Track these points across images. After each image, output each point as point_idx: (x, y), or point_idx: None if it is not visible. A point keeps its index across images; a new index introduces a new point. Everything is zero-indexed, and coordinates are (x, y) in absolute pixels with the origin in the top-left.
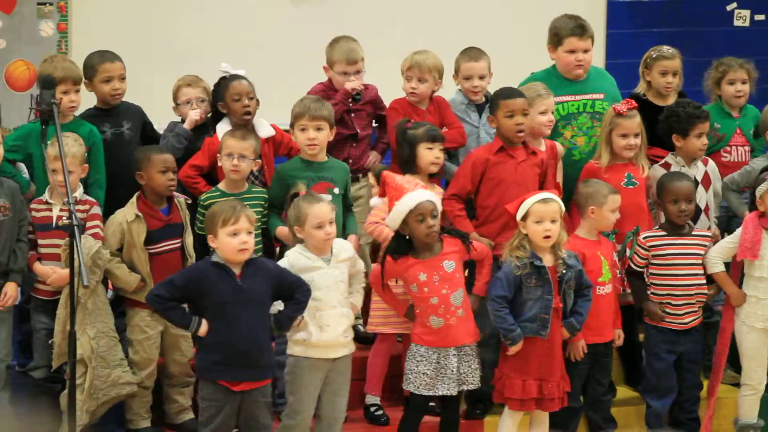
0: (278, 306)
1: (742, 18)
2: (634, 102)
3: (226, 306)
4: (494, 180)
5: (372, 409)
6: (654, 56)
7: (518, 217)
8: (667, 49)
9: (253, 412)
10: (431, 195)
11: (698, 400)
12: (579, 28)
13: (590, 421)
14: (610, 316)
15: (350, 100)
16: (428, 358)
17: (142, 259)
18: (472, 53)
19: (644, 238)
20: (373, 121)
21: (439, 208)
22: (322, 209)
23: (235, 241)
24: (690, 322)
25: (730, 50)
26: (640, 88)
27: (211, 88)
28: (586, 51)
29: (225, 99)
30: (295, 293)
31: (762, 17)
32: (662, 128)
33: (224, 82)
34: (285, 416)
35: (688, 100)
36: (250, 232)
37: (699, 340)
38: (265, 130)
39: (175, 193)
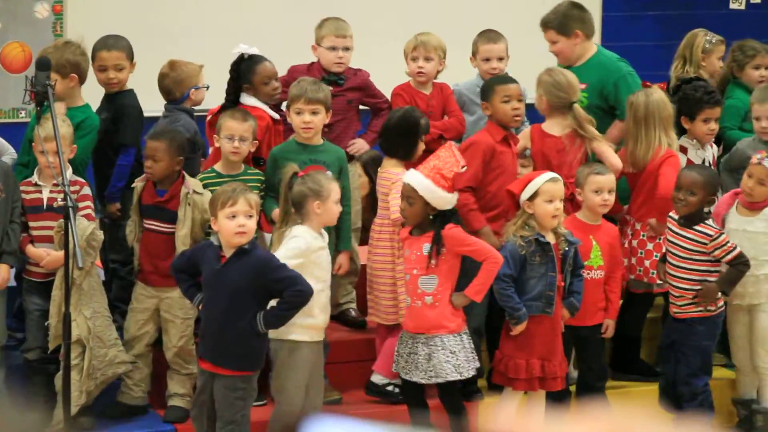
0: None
1: (738, 1)
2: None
3: (206, 287)
4: (497, 169)
5: (389, 387)
6: (713, 41)
7: (525, 197)
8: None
9: (217, 399)
10: (419, 183)
11: (692, 395)
12: (541, 22)
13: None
14: (595, 301)
15: (331, 84)
16: (405, 342)
17: (136, 222)
18: (490, 35)
19: (669, 217)
20: (359, 107)
21: (432, 200)
22: (338, 186)
23: (232, 224)
24: (677, 313)
25: (726, 33)
26: (691, 73)
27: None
28: (553, 42)
29: (253, 82)
30: (284, 292)
31: (758, 0)
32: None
33: (248, 64)
34: (282, 403)
35: (702, 84)
36: (250, 216)
37: (687, 333)
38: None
39: (190, 183)
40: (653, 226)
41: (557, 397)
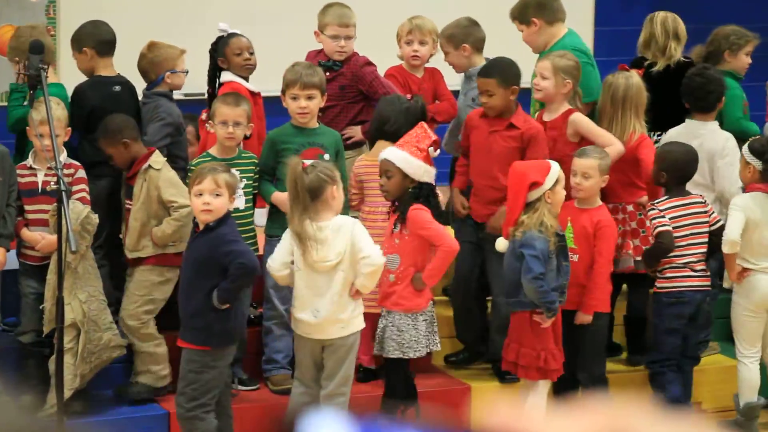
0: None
1: None
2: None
3: (181, 263)
4: (470, 143)
5: None
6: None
7: (548, 185)
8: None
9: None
10: (395, 155)
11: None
12: (509, 14)
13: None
14: (570, 284)
15: (327, 69)
16: (380, 320)
17: (122, 202)
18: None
19: None
20: (358, 94)
21: (409, 170)
22: None
23: (198, 202)
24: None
25: (721, 17)
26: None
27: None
28: (521, 32)
29: (226, 54)
30: (230, 265)
31: None
32: (706, 94)
33: (224, 39)
34: (345, 394)
35: (707, 65)
36: (218, 195)
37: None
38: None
39: (150, 159)
40: (644, 205)
41: (556, 388)
